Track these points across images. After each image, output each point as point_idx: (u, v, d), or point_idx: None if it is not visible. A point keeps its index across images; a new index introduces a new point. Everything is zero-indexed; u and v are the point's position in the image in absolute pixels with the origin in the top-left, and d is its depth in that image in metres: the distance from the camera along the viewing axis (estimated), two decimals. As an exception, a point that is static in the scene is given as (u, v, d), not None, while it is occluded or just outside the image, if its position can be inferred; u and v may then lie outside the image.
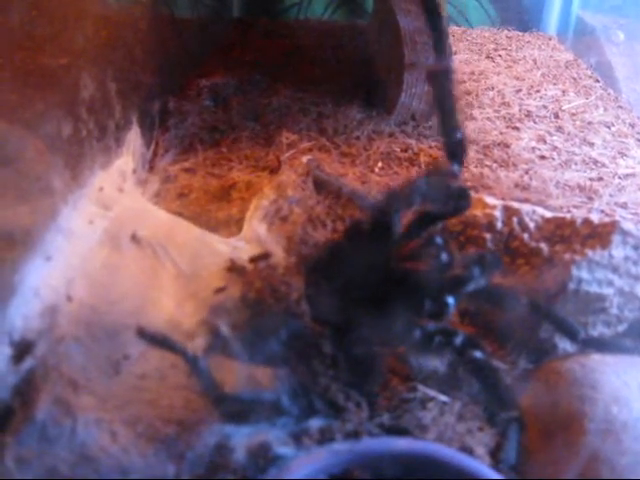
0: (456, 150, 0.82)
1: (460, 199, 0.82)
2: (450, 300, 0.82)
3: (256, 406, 0.77)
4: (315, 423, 0.79)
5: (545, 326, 0.90)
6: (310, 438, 0.78)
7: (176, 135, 1.33)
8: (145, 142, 1.25)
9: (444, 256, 0.81)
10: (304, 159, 1.12)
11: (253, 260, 0.94)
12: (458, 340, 0.80)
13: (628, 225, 0.91)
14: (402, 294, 0.81)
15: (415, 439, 0.79)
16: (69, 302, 0.87)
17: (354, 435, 0.78)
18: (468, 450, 0.78)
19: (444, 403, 0.84)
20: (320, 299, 0.81)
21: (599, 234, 0.91)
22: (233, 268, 0.93)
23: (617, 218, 0.93)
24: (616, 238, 0.90)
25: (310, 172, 1.08)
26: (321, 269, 0.84)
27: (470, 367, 0.82)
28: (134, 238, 0.98)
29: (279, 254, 0.94)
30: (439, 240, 0.83)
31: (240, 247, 0.97)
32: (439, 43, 0.92)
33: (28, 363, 0.80)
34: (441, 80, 0.84)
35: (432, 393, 0.85)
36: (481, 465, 0.75)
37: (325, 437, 0.78)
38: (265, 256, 0.94)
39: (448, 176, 0.81)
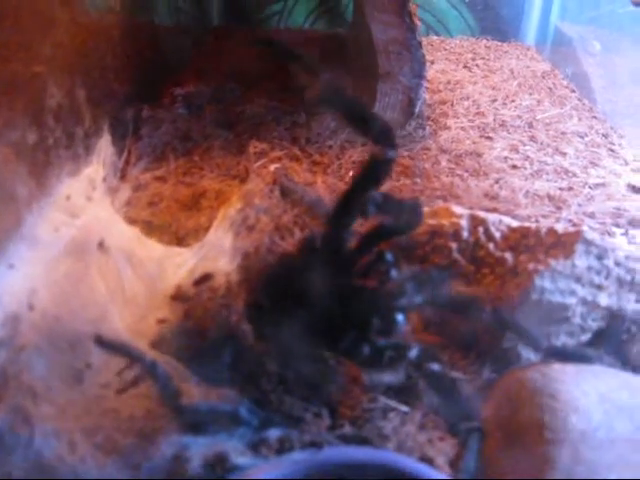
0: (382, 135, 0.80)
1: (411, 214, 0.82)
2: (399, 317, 0.81)
3: (214, 416, 0.76)
4: (274, 433, 0.78)
5: (509, 335, 0.90)
6: (269, 448, 0.77)
7: (149, 143, 1.33)
8: (117, 150, 1.25)
9: (393, 272, 0.81)
10: (272, 168, 1.12)
11: (196, 283, 0.94)
12: (413, 353, 0.79)
13: (592, 235, 0.91)
14: (351, 310, 0.81)
15: (375, 449, 0.79)
16: (31, 311, 0.87)
17: (313, 445, 0.78)
18: (428, 460, 0.78)
19: (405, 413, 0.84)
20: (264, 317, 0.81)
21: (563, 243, 0.91)
22: (177, 296, 0.94)
23: (582, 228, 0.93)
24: (579, 247, 0.90)
25: (277, 181, 1.08)
26: (268, 285, 0.84)
27: (428, 380, 0.82)
28: (101, 246, 0.98)
29: (224, 274, 0.94)
30: (389, 256, 0.83)
31: (202, 257, 0.97)
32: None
33: (-13, 371, 0.80)
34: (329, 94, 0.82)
35: (393, 404, 0.85)
36: (440, 475, 0.74)
37: (284, 446, 0.78)
38: (206, 278, 0.94)
39: (387, 162, 0.80)
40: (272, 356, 0.78)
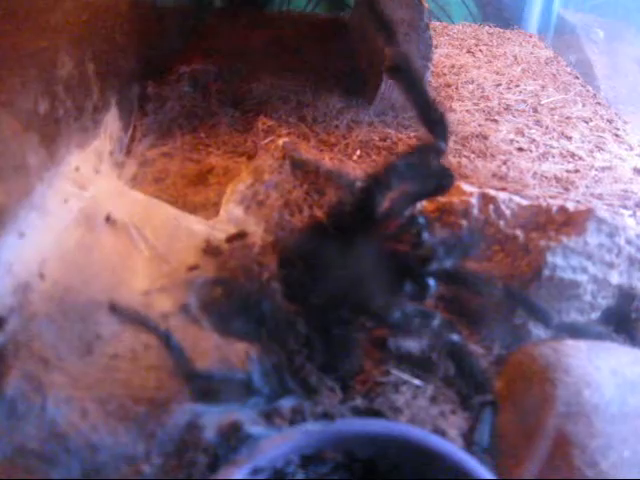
0: (437, 127, 0.81)
1: (442, 177, 0.82)
2: (431, 282, 0.82)
3: (227, 384, 0.76)
4: (287, 403, 0.78)
5: (519, 312, 0.90)
6: (281, 418, 0.77)
7: (155, 120, 1.32)
8: (123, 125, 1.24)
9: (425, 235, 0.81)
10: (280, 142, 1.11)
11: (229, 240, 0.93)
12: (435, 322, 0.80)
13: (603, 213, 0.91)
14: (383, 274, 0.81)
15: (388, 421, 0.79)
16: (42, 280, 0.86)
17: (326, 417, 0.78)
18: (441, 432, 0.78)
19: (417, 387, 0.84)
20: (296, 278, 0.81)
21: (574, 221, 0.91)
22: (208, 249, 0.93)
23: (593, 206, 0.93)
24: (591, 225, 0.90)
25: (286, 155, 1.07)
26: (300, 248, 0.84)
27: (446, 350, 0.82)
28: (108, 219, 0.98)
29: (257, 234, 0.94)
30: (421, 219, 0.83)
31: (218, 228, 0.96)
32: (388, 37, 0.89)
33: (-1, 339, 0.79)
34: (402, 69, 0.83)
35: (405, 377, 0.85)
36: (453, 446, 0.74)
37: (297, 417, 0.78)
38: (241, 235, 0.93)
39: (435, 153, 0.81)
40: (302, 317, 0.78)
